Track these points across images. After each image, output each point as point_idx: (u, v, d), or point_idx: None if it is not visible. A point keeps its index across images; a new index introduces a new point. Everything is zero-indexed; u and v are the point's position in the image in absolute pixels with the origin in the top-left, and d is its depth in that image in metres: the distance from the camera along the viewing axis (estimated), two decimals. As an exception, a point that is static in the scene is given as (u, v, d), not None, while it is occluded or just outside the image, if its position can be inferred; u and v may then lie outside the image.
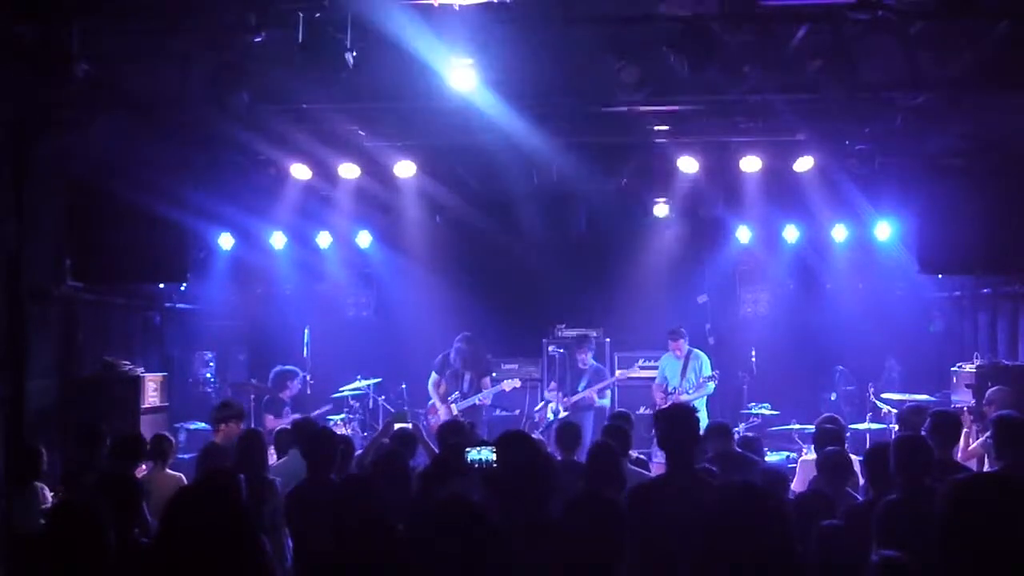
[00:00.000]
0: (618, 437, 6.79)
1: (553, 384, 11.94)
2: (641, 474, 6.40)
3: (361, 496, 4.39)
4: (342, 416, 11.15)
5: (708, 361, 11.40)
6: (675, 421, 5.07)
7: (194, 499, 3.28)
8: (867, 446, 8.99)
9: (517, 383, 11.64)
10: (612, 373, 12.19)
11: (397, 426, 7.97)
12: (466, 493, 4.33)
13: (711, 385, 11.24)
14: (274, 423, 10.34)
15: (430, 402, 11.67)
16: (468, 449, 4.42)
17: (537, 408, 12.04)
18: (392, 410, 10.75)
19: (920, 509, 4.48)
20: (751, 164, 10.48)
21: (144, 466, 7.40)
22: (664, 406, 8.51)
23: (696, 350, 11.52)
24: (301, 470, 6.19)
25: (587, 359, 11.91)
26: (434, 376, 11.70)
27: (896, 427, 8.37)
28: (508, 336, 13.11)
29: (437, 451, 7.13)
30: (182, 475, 7.44)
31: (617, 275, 13.11)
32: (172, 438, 7.91)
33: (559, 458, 7.12)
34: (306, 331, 11.97)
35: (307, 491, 5.81)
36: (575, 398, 11.69)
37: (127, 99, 8.32)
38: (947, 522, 2.67)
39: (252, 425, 10.51)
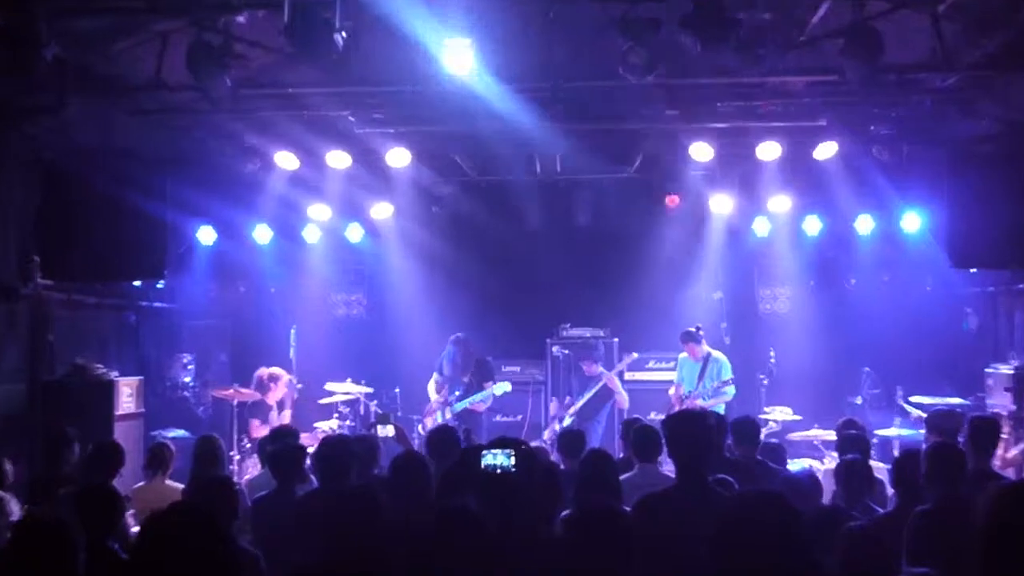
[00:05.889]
0: (649, 438, 6.75)
1: (568, 399, 11.90)
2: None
3: (365, 507, 4.41)
4: (335, 422, 11.14)
5: (728, 365, 11.31)
6: (684, 427, 5.06)
7: (173, 516, 3.30)
8: (895, 453, 9.01)
9: (508, 387, 11.59)
10: (620, 373, 12.18)
11: (380, 431, 8.01)
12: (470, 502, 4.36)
13: (730, 390, 11.13)
14: (259, 430, 10.35)
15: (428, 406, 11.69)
16: (484, 452, 4.39)
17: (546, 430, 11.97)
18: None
19: (954, 521, 4.50)
20: (769, 151, 10.47)
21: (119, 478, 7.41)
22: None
23: (716, 352, 11.44)
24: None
25: (594, 369, 11.90)
26: (436, 377, 11.71)
27: (925, 433, 8.36)
28: (509, 337, 13.11)
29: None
30: (181, 486, 7.43)
31: (626, 271, 13.10)
32: (172, 447, 7.91)
33: (563, 467, 7.13)
34: (292, 331, 11.98)
35: (313, 502, 5.84)
36: (580, 403, 11.68)
37: (101, 84, 8.34)
38: (989, 533, 2.65)
39: (236, 433, 10.55)
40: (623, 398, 11.85)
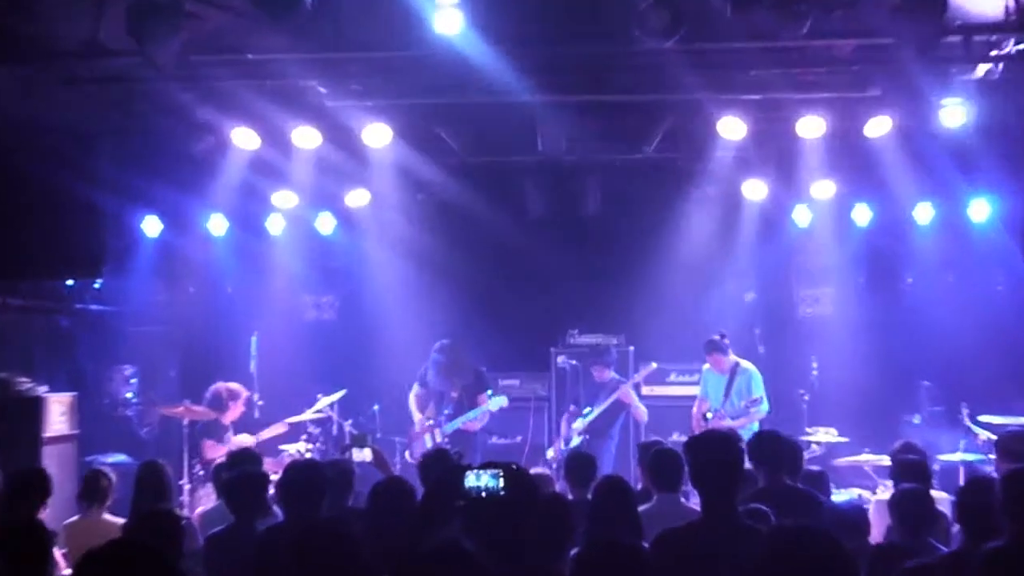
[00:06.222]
0: (669, 464, 6.68)
1: (573, 408, 11.88)
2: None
3: (339, 542, 4.41)
4: (303, 445, 11.11)
5: (759, 378, 11.28)
6: (711, 452, 5.07)
7: (112, 555, 3.31)
8: (960, 482, 9.01)
9: (504, 401, 11.54)
10: (637, 387, 12.17)
11: (355, 455, 8.02)
12: (460, 537, 4.35)
13: (762, 408, 11.08)
14: (213, 453, 10.35)
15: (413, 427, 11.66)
16: (467, 473, 4.34)
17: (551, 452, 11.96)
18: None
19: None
20: (811, 127, 10.47)
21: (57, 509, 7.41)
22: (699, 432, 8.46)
23: (744, 363, 11.40)
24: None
25: (606, 375, 11.90)
26: (416, 389, 11.66)
27: (995, 458, 8.36)
28: (507, 345, 13.12)
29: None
30: (121, 521, 7.43)
31: (643, 268, 13.09)
32: (111, 475, 7.91)
33: (570, 497, 7.13)
34: (253, 339, 11.97)
35: (278, 537, 5.84)
36: (590, 417, 11.66)
37: (26, 48, 8.33)
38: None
39: (187, 457, 10.54)
40: (641, 410, 11.83)
